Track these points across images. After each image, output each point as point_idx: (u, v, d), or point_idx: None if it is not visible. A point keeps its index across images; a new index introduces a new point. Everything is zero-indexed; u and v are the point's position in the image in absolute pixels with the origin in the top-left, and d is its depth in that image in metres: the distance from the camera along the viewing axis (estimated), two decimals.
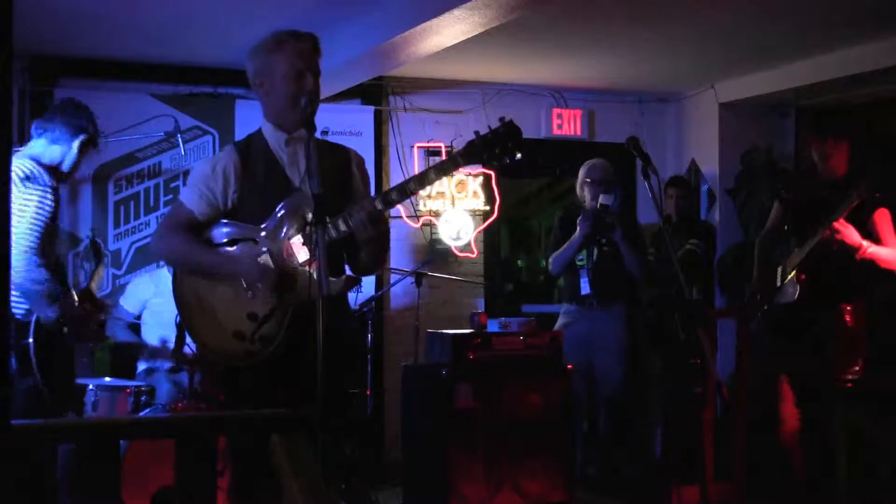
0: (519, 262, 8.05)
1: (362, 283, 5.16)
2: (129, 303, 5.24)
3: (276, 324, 2.83)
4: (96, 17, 4.82)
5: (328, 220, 2.79)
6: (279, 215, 2.87)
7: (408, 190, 2.85)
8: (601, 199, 5.23)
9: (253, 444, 2.62)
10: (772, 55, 5.76)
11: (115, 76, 5.73)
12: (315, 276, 2.59)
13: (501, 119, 2.86)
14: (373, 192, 3.22)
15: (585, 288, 5.35)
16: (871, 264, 4.11)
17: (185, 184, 3.14)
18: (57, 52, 5.50)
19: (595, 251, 5.35)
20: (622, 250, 5.23)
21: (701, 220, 6.52)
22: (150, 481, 4.02)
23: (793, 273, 4.23)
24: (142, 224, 5.69)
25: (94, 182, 5.65)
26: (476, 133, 2.83)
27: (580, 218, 5.25)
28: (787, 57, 5.80)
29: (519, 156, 2.81)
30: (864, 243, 4.05)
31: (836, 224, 4.00)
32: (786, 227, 4.40)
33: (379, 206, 2.81)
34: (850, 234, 4.03)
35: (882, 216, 4.17)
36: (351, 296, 5.21)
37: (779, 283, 4.34)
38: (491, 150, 2.81)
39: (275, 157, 2.94)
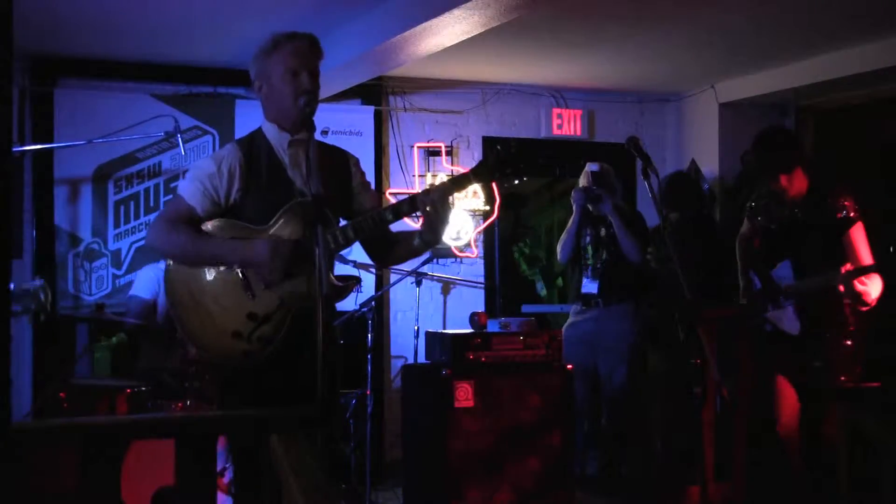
0: (516, 255, 8.05)
1: (362, 283, 5.16)
2: (141, 290, 5.20)
3: (276, 325, 2.84)
4: (96, 17, 4.82)
5: (336, 229, 2.85)
6: (282, 217, 2.87)
7: (416, 203, 2.89)
8: (588, 166, 5.44)
9: (253, 443, 2.63)
10: (772, 55, 5.76)
11: (115, 76, 5.73)
12: (318, 270, 2.59)
13: (510, 142, 2.97)
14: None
15: (588, 287, 5.40)
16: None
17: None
18: (57, 52, 5.50)
19: (603, 252, 5.39)
20: (615, 228, 5.29)
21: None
22: (150, 481, 4.02)
23: (790, 305, 4.23)
24: (142, 224, 5.69)
25: (94, 182, 5.64)
26: (488, 152, 2.93)
27: (571, 196, 5.42)
28: (787, 57, 5.81)
29: (525, 178, 2.96)
30: (872, 294, 3.99)
31: (854, 283, 3.95)
32: (765, 253, 4.41)
33: (389, 216, 2.89)
34: (864, 295, 3.99)
35: (857, 231, 4.15)
36: (351, 296, 5.21)
37: (773, 305, 4.33)
38: (502, 169, 2.93)
39: (278, 159, 2.94)
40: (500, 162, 2.93)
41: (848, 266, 3.96)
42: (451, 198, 2.94)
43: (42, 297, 3.81)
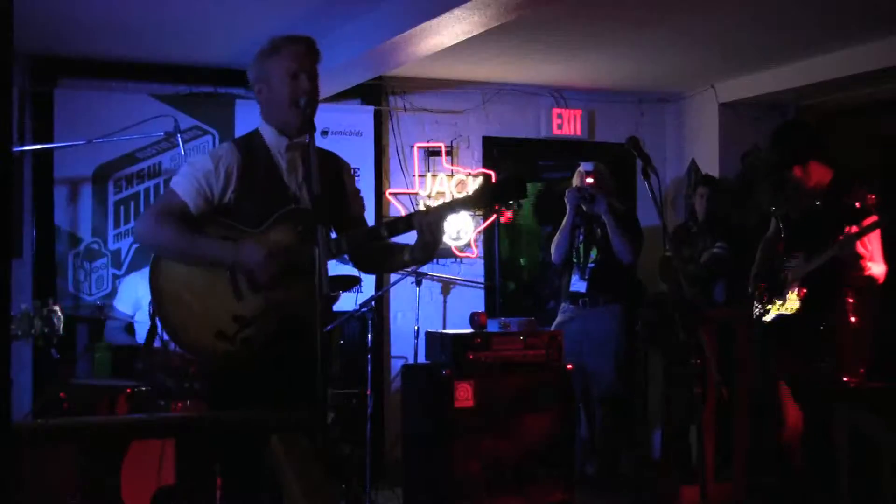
0: (522, 260, 8.05)
1: (362, 283, 5.16)
2: (122, 303, 5.24)
3: (261, 328, 2.83)
4: (96, 17, 4.82)
5: (329, 240, 2.85)
6: (274, 222, 2.87)
7: (412, 223, 2.88)
8: (581, 166, 5.44)
9: (252, 444, 2.63)
10: (772, 55, 5.76)
11: (115, 76, 5.72)
12: (318, 272, 2.58)
13: (508, 172, 3.00)
14: (366, 197, 3.26)
15: (577, 286, 5.43)
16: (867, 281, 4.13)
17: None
18: (57, 52, 5.50)
19: (594, 252, 5.41)
20: (608, 227, 5.30)
21: (728, 221, 6.24)
22: (150, 481, 4.02)
23: (795, 288, 4.25)
24: None
25: (94, 182, 5.64)
26: (490, 178, 2.95)
27: (565, 196, 5.44)
28: (787, 57, 5.81)
29: (521, 203, 2.98)
30: (870, 264, 4.10)
31: (859, 243, 4.02)
32: (786, 243, 4.42)
33: (384, 233, 2.89)
34: (862, 261, 4.06)
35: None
36: (351, 296, 5.21)
37: (780, 291, 4.34)
38: (498, 197, 2.93)
39: (274, 162, 2.94)
40: (503, 193, 2.92)
41: (851, 228, 4.00)
42: (446, 220, 2.94)
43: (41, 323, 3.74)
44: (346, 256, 5.16)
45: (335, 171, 3.08)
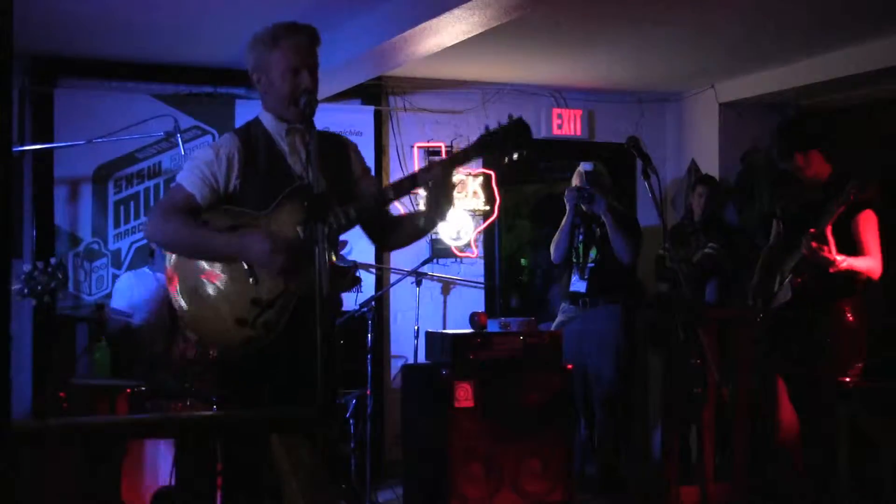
0: (523, 260, 8.06)
1: (362, 283, 5.16)
2: (118, 303, 5.24)
3: (280, 310, 2.82)
4: (96, 17, 4.82)
5: (338, 207, 2.82)
6: (282, 202, 2.86)
7: (417, 180, 2.86)
8: (581, 165, 5.45)
9: (253, 444, 2.63)
10: (772, 55, 5.76)
11: (115, 76, 5.72)
12: (318, 270, 2.57)
13: (510, 116, 2.93)
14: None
15: (577, 286, 5.44)
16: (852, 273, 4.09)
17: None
18: (57, 52, 5.50)
19: (594, 252, 5.42)
20: (607, 227, 5.31)
21: (724, 221, 6.27)
22: (150, 481, 4.02)
23: (788, 277, 4.24)
24: (142, 224, 5.69)
25: (94, 182, 5.64)
26: (486, 128, 2.90)
27: (564, 195, 5.45)
28: (787, 57, 5.81)
29: (526, 152, 2.90)
30: (839, 258, 4.00)
31: (812, 243, 3.97)
32: (784, 238, 4.41)
33: (391, 195, 2.87)
34: (826, 252, 3.99)
35: (866, 219, 4.13)
36: (351, 296, 5.21)
37: (776, 288, 4.34)
38: (502, 144, 2.90)
39: (276, 146, 2.95)
40: (507, 140, 2.89)
41: (811, 230, 3.98)
42: (453, 173, 2.89)
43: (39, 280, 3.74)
44: (348, 256, 5.17)
45: (341, 152, 3.06)
